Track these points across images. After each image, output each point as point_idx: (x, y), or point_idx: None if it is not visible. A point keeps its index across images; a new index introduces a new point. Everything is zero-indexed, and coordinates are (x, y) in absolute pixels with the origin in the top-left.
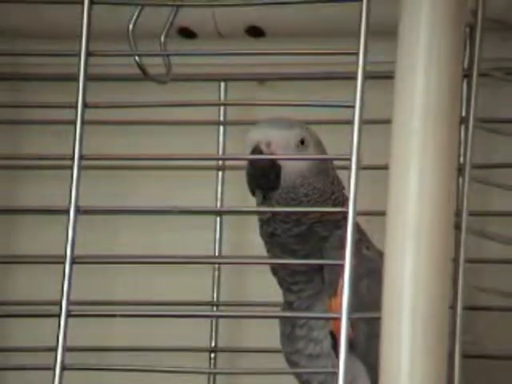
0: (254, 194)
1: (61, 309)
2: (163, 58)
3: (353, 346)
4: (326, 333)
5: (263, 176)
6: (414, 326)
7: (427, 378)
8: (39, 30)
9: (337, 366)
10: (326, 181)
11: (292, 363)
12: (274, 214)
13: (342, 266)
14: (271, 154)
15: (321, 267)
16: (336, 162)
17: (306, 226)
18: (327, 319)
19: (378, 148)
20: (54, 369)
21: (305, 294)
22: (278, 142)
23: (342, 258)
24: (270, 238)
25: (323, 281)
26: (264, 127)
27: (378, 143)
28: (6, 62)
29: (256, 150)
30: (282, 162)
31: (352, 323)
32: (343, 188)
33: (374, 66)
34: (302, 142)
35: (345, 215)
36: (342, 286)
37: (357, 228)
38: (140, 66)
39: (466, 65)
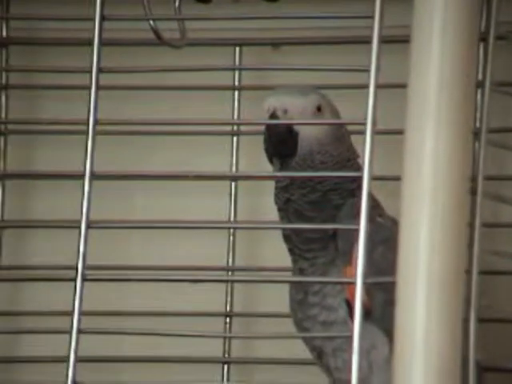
0: (271, 161)
1: (77, 273)
2: (178, 23)
3: (370, 314)
4: (341, 300)
5: (280, 143)
6: (429, 291)
7: (442, 343)
8: None
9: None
10: (343, 148)
11: (303, 329)
12: (292, 180)
13: (356, 234)
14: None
15: (335, 235)
16: (352, 128)
17: (321, 193)
18: (342, 284)
19: (394, 113)
20: (70, 332)
21: (319, 261)
22: (295, 109)
23: (357, 224)
24: (285, 204)
25: (337, 249)
26: (280, 94)
27: (394, 108)
28: (20, 26)
29: (273, 116)
30: (299, 129)
31: (368, 291)
32: (358, 156)
33: (390, 30)
34: (319, 108)
35: (359, 184)
36: (357, 254)
37: (370, 196)
38: (155, 31)
39: (482, 28)
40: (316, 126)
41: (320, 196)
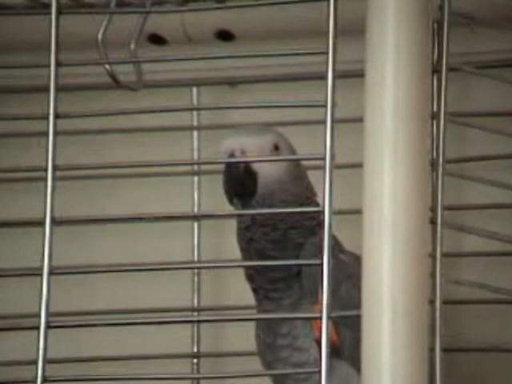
0: (231, 202)
1: (40, 321)
2: (134, 65)
3: (339, 352)
4: (311, 341)
5: (240, 183)
6: (394, 323)
7: (409, 374)
8: (7, 42)
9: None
10: (301, 186)
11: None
12: (253, 219)
13: (320, 271)
14: (245, 162)
15: (299, 274)
16: (311, 163)
17: (282, 231)
18: (308, 319)
19: (353, 147)
20: (35, 381)
21: (285, 302)
22: (253, 149)
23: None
24: (247, 244)
25: (302, 289)
26: (237, 135)
27: (353, 142)
28: None
29: (231, 158)
30: (258, 169)
31: (336, 330)
32: (316, 194)
33: (345, 66)
34: (276, 147)
35: (319, 221)
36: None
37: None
38: (111, 75)
39: (435, 60)
40: (275, 165)
41: (281, 234)
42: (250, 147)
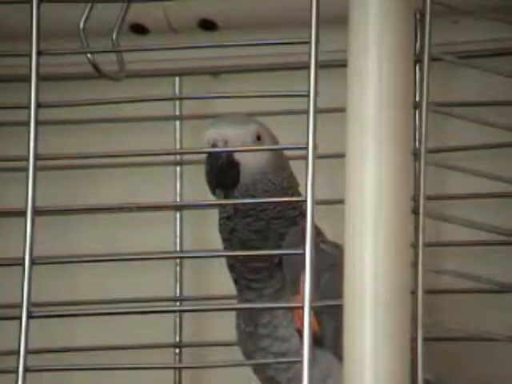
0: (214, 192)
1: (22, 311)
2: (116, 55)
3: (321, 342)
4: (292, 331)
5: (223, 173)
6: (376, 313)
7: (391, 363)
8: None
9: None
10: (284, 176)
11: (254, 360)
12: (235, 209)
13: (302, 261)
14: (227, 152)
15: (280, 264)
16: (293, 153)
17: (265, 222)
18: (290, 309)
19: (335, 137)
20: (17, 371)
21: (266, 292)
22: (235, 139)
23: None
24: (230, 234)
25: (284, 278)
26: (219, 126)
27: (335, 132)
28: None
29: (214, 148)
30: (240, 159)
31: (318, 319)
32: (298, 184)
33: (328, 55)
34: (259, 137)
35: (301, 211)
36: (304, 282)
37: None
38: (93, 64)
39: (417, 50)
40: (257, 155)
41: (263, 225)
42: (233, 137)
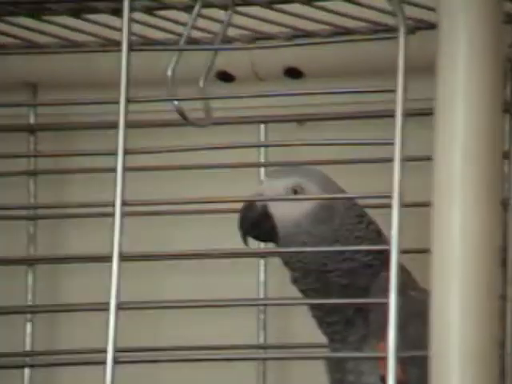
0: (245, 242)
1: (107, 356)
2: (203, 102)
3: None
4: (377, 379)
5: (256, 227)
6: (464, 364)
7: None
8: (77, 80)
9: None
10: (329, 227)
11: None
12: (293, 271)
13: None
14: (262, 204)
15: (362, 310)
16: (376, 201)
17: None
18: (374, 359)
19: (419, 186)
20: None
21: (350, 339)
22: (268, 192)
23: (386, 297)
24: (303, 293)
25: (369, 324)
26: (264, 179)
27: (419, 181)
28: (47, 112)
29: (249, 201)
30: (273, 212)
31: (402, 367)
32: (373, 233)
33: (414, 103)
34: (295, 191)
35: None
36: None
37: (402, 268)
38: (179, 111)
39: (508, 98)
40: (293, 207)
41: (322, 281)
42: (267, 190)
